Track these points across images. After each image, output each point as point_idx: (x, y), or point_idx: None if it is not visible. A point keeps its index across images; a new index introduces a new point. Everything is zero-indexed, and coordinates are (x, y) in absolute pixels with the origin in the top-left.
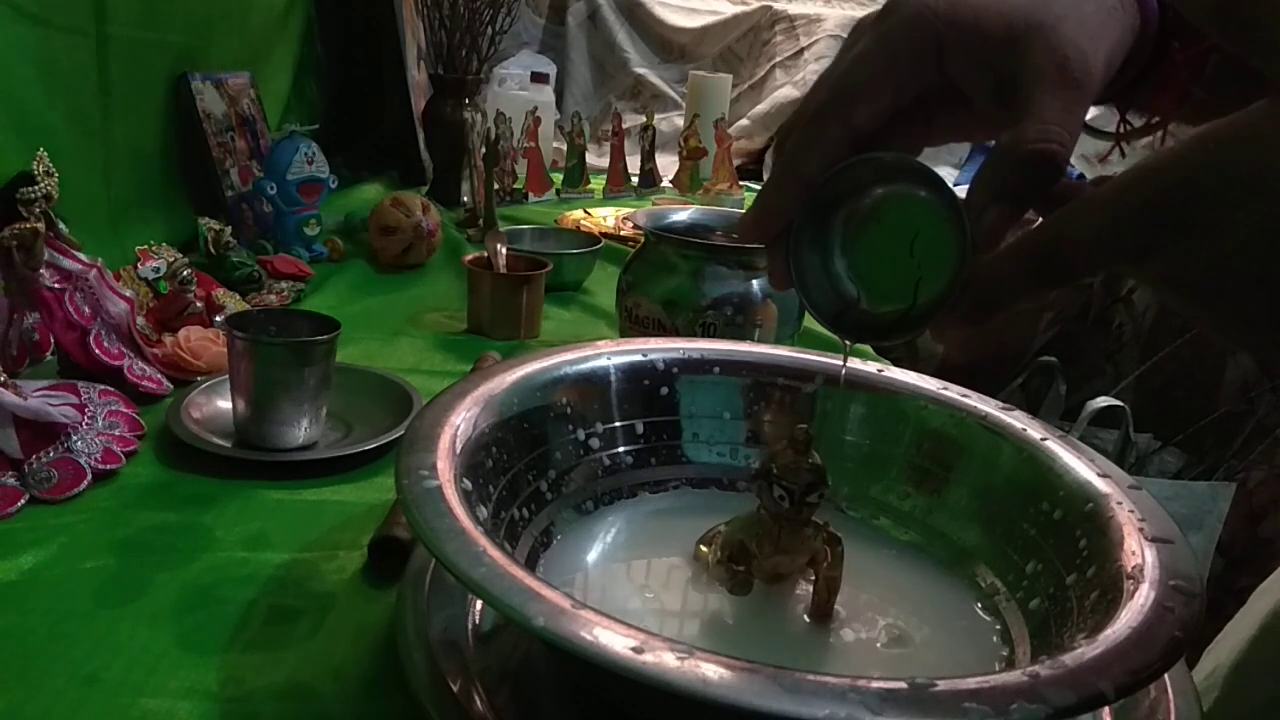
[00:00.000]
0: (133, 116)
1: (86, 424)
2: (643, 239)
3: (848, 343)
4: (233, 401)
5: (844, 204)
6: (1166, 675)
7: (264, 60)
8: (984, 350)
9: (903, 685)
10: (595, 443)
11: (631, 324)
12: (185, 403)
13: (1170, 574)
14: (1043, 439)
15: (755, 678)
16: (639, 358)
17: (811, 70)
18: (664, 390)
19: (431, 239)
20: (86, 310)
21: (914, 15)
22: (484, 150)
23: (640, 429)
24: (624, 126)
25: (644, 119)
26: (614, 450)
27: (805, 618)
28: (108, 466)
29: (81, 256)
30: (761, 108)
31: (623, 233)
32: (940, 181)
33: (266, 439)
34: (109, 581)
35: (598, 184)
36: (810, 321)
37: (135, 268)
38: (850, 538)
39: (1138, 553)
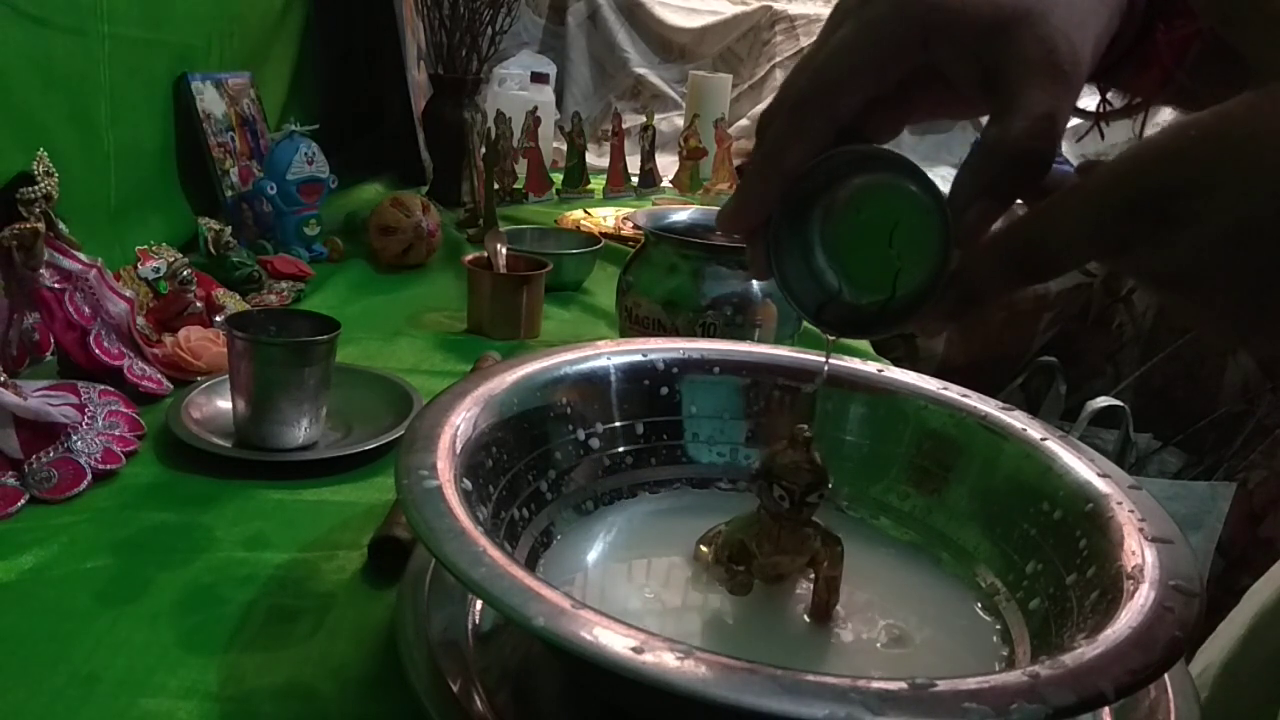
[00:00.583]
0: (133, 116)
1: (86, 424)
2: (643, 239)
3: (830, 337)
4: (233, 401)
5: (824, 194)
6: (1166, 675)
7: (264, 60)
8: (984, 350)
9: (903, 685)
10: (595, 443)
11: (631, 324)
12: (185, 403)
13: (1170, 574)
14: (1043, 439)
15: (755, 678)
16: (639, 358)
17: None
18: (664, 390)
19: (431, 239)
20: (86, 310)
21: (900, 1)
22: (484, 150)
23: (640, 429)
24: (624, 126)
25: (644, 119)
26: (614, 450)
27: (805, 618)
28: (108, 466)
29: (81, 256)
30: (761, 108)
31: (623, 233)
32: (921, 173)
33: (266, 439)
34: (109, 581)
35: (598, 184)
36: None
37: (135, 268)
38: (850, 538)
39: (1138, 553)
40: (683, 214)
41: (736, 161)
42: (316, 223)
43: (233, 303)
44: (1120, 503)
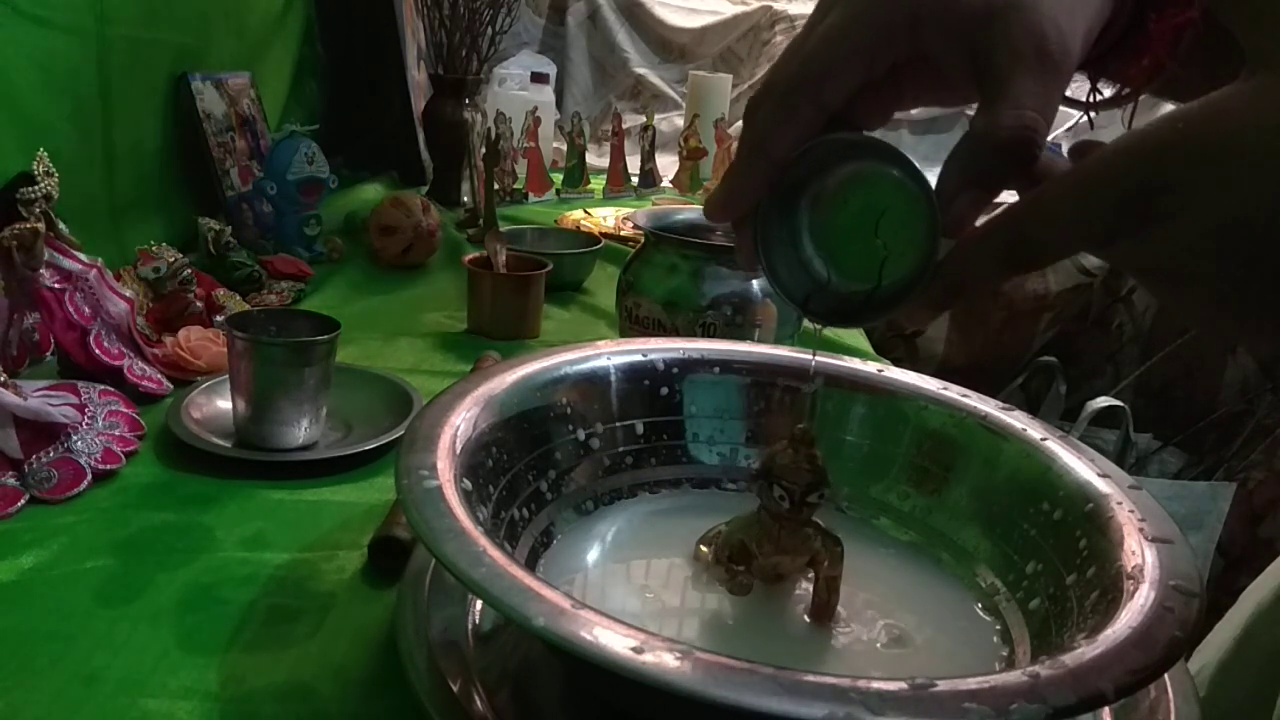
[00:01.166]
0: (133, 116)
1: (86, 424)
2: (643, 239)
3: (817, 327)
4: (233, 401)
5: (812, 183)
6: (1166, 675)
7: (264, 60)
8: (984, 350)
9: (903, 685)
10: (595, 443)
11: (631, 324)
12: (185, 403)
13: (1170, 574)
14: (1043, 439)
15: (755, 678)
16: (639, 358)
17: None
18: (664, 390)
19: (431, 239)
20: (86, 310)
21: None
22: (484, 150)
23: (640, 429)
24: (624, 126)
25: (644, 119)
26: (614, 450)
27: (805, 618)
28: (108, 466)
29: (81, 256)
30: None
31: (623, 233)
32: (909, 162)
33: (266, 439)
34: (109, 581)
35: (598, 184)
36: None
37: (135, 268)
38: (850, 538)
39: (1138, 553)
40: (683, 214)
41: None
42: (316, 223)
43: (233, 303)
44: (1120, 503)
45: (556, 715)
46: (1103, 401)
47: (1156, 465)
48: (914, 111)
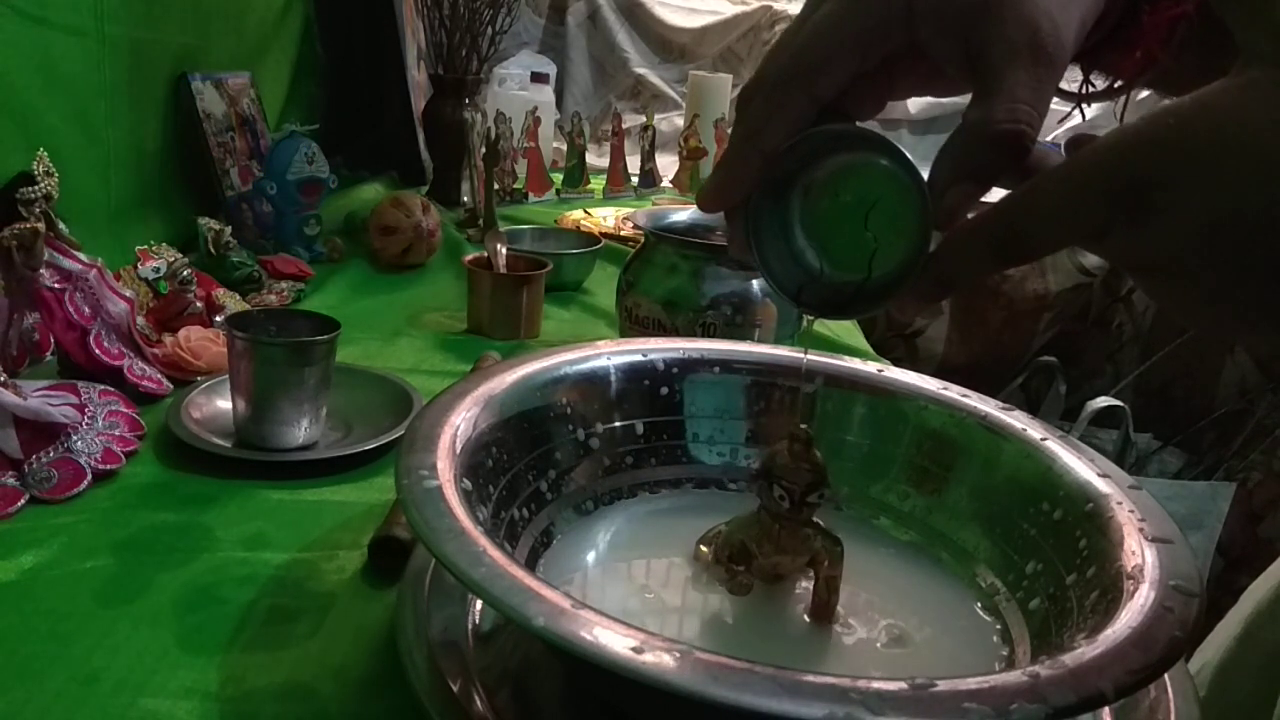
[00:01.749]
0: (133, 116)
1: (86, 424)
2: (643, 239)
3: (809, 318)
4: (233, 401)
5: (804, 174)
6: (1166, 675)
7: (264, 60)
8: (984, 350)
9: (903, 685)
10: (595, 443)
11: (631, 324)
12: (185, 403)
13: (1170, 574)
14: (1043, 439)
15: (755, 678)
16: (639, 358)
17: None
18: (664, 390)
19: (431, 239)
20: (86, 310)
21: None
22: (484, 150)
23: (640, 429)
24: (624, 126)
25: (644, 119)
26: (614, 450)
27: (805, 618)
28: (108, 466)
29: (81, 256)
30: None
31: (623, 233)
32: (901, 153)
33: (266, 439)
34: (109, 581)
35: (598, 184)
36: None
37: (135, 268)
38: (850, 538)
39: (1138, 553)
40: (683, 214)
41: None
42: (316, 223)
43: (233, 303)
44: (1120, 503)
45: (556, 715)
46: (1103, 401)
47: (1156, 465)
48: (914, 111)
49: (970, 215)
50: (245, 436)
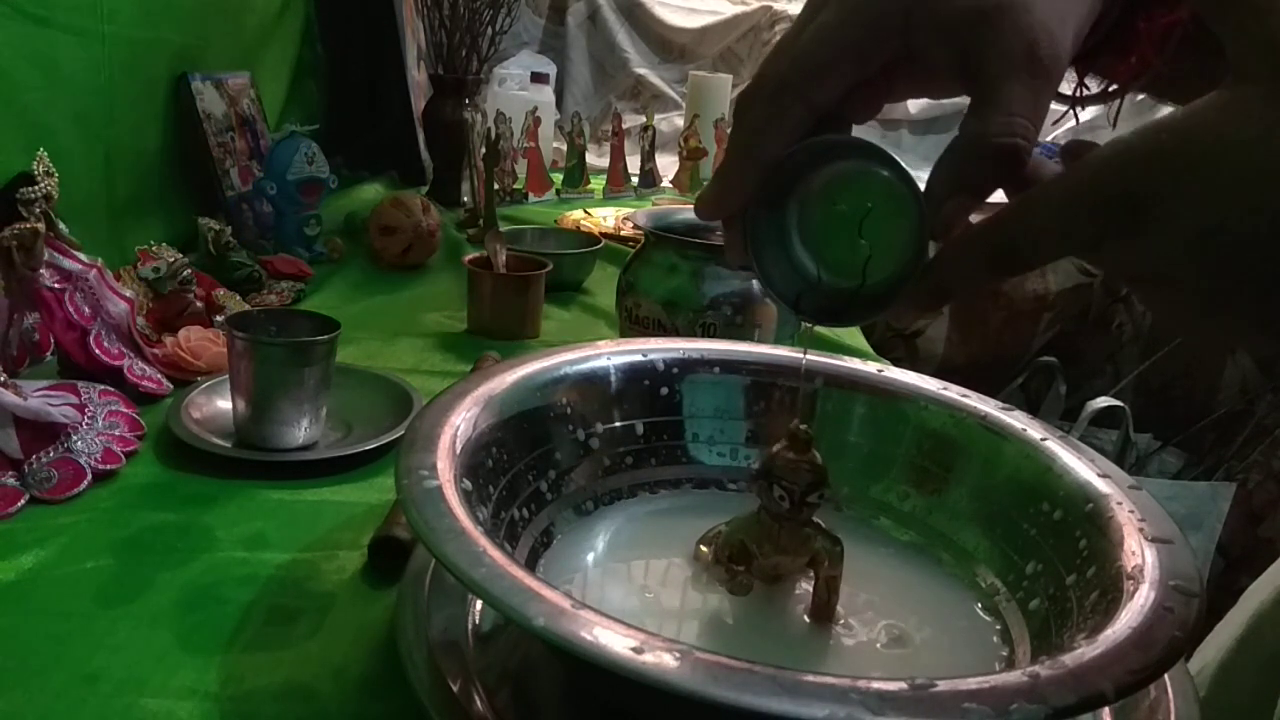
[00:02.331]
0: (133, 116)
1: (86, 424)
2: (643, 239)
3: (807, 325)
4: (233, 401)
5: (800, 181)
6: (1166, 675)
7: (264, 60)
8: (984, 350)
9: (903, 685)
10: (595, 443)
11: (631, 324)
12: (185, 403)
13: (1170, 574)
14: (1043, 439)
15: (755, 678)
16: (639, 358)
17: None
18: (664, 390)
19: (431, 239)
20: (86, 310)
21: None
22: (484, 150)
23: (640, 429)
24: (624, 126)
25: (644, 119)
26: (614, 450)
27: (805, 618)
28: (108, 466)
29: (81, 256)
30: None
31: (623, 233)
32: (895, 162)
33: (266, 439)
34: (109, 581)
35: (598, 184)
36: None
37: (135, 268)
38: (850, 538)
39: (1138, 553)
40: (683, 214)
41: None
42: (316, 223)
43: (233, 303)
44: (1120, 503)
45: (556, 715)
46: (1103, 401)
47: (1156, 465)
48: (914, 111)
49: (971, 220)
50: (245, 436)
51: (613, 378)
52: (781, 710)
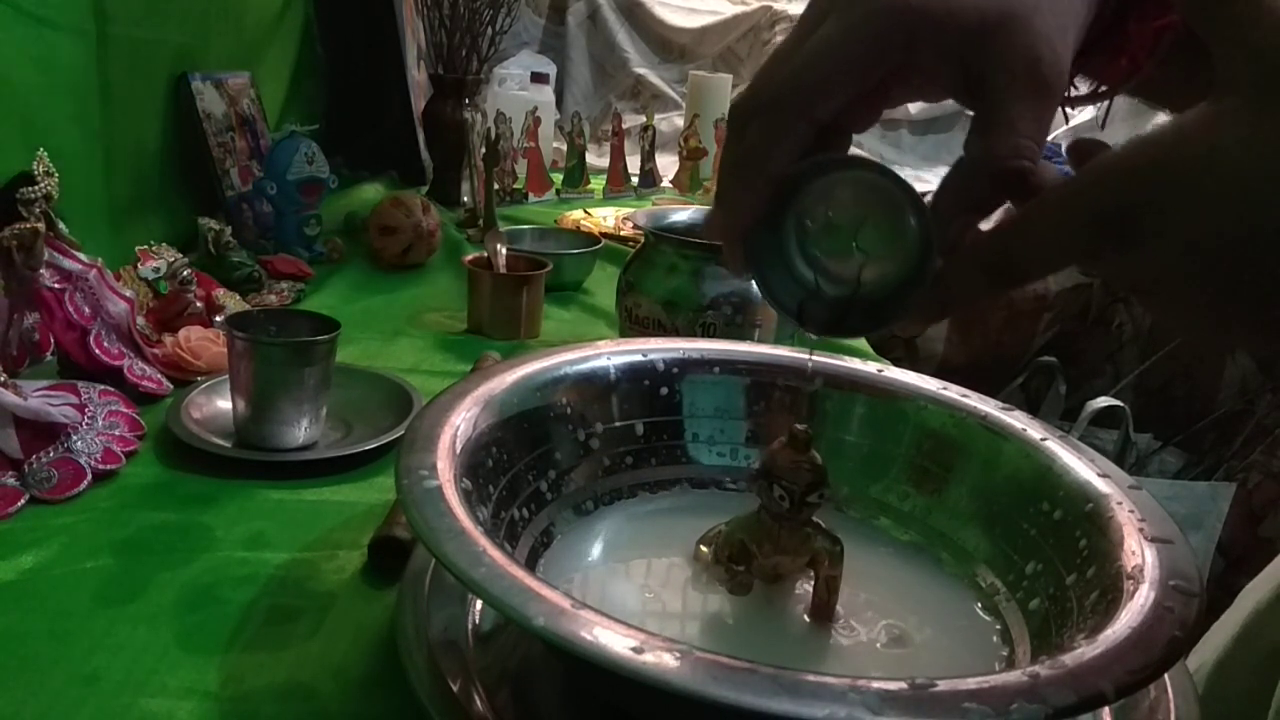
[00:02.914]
0: (133, 116)
1: (86, 424)
2: (643, 239)
3: (811, 336)
4: (233, 401)
5: (800, 193)
6: (1166, 675)
7: (264, 60)
8: (984, 350)
9: (903, 685)
10: (595, 443)
11: (631, 324)
12: (185, 403)
13: (1170, 574)
14: (1043, 439)
15: (755, 678)
16: (639, 358)
17: None
18: (664, 390)
19: (431, 239)
20: (86, 310)
21: (885, 4)
22: (484, 150)
23: (640, 429)
24: (624, 126)
25: (644, 119)
26: (614, 450)
27: (805, 618)
28: (108, 466)
29: (81, 256)
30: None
31: (623, 233)
32: (893, 175)
33: (266, 439)
34: (109, 581)
35: (598, 184)
36: None
37: (135, 268)
38: (850, 538)
39: (1138, 553)
40: (683, 214)
41: None
42: (316, 223)
43: (233, 303)
44: (1120, 503)
45: (556, 715)
46: (1103, 401)
47: (1156, 465)
48: (914, 111)
49: (969, 240)
50: (245, 436)
51: (612, 378)
52: (781, 710)
